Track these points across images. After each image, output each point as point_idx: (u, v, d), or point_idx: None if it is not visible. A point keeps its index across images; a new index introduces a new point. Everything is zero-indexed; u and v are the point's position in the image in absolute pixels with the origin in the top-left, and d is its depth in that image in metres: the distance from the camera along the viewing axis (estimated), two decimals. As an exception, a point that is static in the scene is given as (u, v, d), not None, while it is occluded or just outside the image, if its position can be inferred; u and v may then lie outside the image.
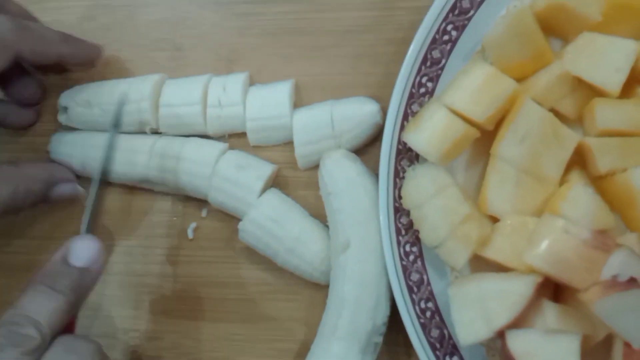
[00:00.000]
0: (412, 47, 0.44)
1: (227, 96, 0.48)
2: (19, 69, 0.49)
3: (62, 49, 0.47)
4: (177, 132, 0.49)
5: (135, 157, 0.48)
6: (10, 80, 0.49)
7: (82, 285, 0.37)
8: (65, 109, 0.51)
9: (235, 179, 0.47)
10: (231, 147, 0.49)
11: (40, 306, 0.35)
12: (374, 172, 0.46)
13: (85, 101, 0.50)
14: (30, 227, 0.52)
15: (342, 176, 0.46)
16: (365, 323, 0.43)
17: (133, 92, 0.49)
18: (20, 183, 0.44)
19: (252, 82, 0.50)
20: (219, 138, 0.50)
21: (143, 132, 0.50)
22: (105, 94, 0.50)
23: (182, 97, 0.48)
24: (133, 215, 0.51)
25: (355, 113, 0.47)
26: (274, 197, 0.47)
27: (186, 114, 0.48)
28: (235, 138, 0.50)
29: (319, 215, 0.48)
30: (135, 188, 0.51)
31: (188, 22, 0.51)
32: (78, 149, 0.50)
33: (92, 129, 0.51)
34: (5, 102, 0.51)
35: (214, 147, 0.48)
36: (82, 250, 0.38)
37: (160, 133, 0.50)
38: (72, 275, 0.37)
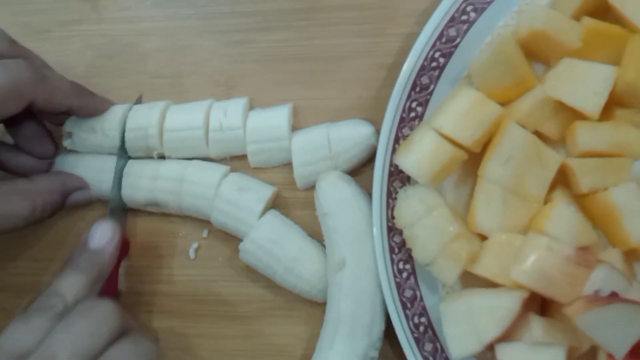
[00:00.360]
0: (401, 74, 0.45)
1: (228, 120, 0.50)
2: (29, 115, 0.50)
3: (74, 102, 0.48)
4: (181, 156, 0.51)
5: (139, 182, 0.50)
6: (20, 128, 0.50)
7: (100, 263, 0.44)
8: (70, 134, 0.52)
9: (237, 201, 0.48)
10: (233, 169, 0.51)
11: (66, 283, 0.41)
12: (368, 193, 0.47)
13: (90, 127, 0.51)
14: (36, 249, 0.54)
15: (337, 197, 0.47)
16: (362, 338, 0.45)
17: (141, 119, 0.50)
18: (37, 197, 0.48)
19: (251, 106, 0.52)
20: (221, 160, 0.52)
21: (150, 157, 0.52)
22: (109, 120, 0.51)
23: (185, 121, 0.50)
24: (138, 236, 0.53)
25: (351, 135, 0.48)
26: (274, 219, 0.49)
27: (189, 138, 0.50)
28: (236, 160, 0.52)
29: (316, 234, 0.50)
30: (138, 211, 0.52)
31: (186, 50, 0.53)
32: (79, 172, 0.52)
33: (96, 153, 0.52)
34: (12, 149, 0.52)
35: (217, 170, 0.50)
36: (99, 234, 0.44)
37: (165, 157, 0.52)
38: (91, 255, 0.44)
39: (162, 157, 0.52)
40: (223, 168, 0.51)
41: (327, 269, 0.48)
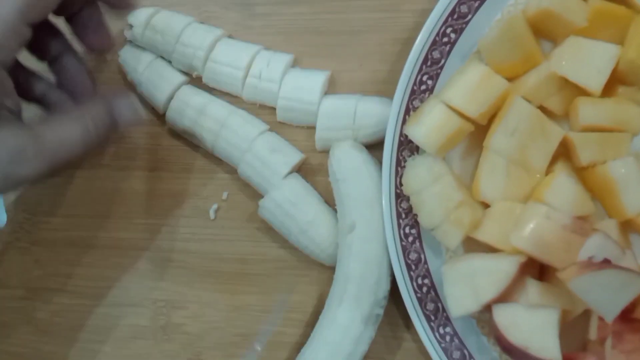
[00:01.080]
0: (414, 48, 0.47)
1: (268, 72, 0.52)
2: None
3: None
4: (216, 87, 0.54)
5: (185, 110, 0.53)
6: (77, 16, 0.48)
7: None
8: (131, 26, 0.54)
9: (266, 159, 0.51)
10: (260, 115, 0.54)
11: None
12: (380, 161, 0.50)
13: (152, 26, 0.53)
14: (70, 205, 0.57)
15: (349, 164, 0.50)
16: (368, 297, 0.48)
17: (196, 38, 0.53)
18: (88, 120, 0.45)
19: (294, 64, 0.54)
20: (251, 105, 0.54)
21: (189, 74, 0.55)
22: (171, 27, 0.53)
23: (230, 59, 0.52)
24: (160, 197, 0.56)
25: (377, 112, 0.50)
26: (296, 182, 0.51)
27: (228, 75, 0.52)
28: (265, 109, 0.54)
29: (328, 200, 0.52)
30: (163, 171, 0.56)
31: (212, 21, 0.56)
32: (140, 69, 0.54)
33: (154, 50, 0.55)
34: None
35: (256, 126, 0.52)
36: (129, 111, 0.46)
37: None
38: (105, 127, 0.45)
39: (199, 78, 0.54)
40: (262, 126, 0.53)
41: (338, 232, 0.50)
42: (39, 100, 0.48)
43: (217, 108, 0.53)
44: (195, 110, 0.53)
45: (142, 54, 0.55)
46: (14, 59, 0.41)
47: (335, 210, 0.52)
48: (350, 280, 0.48)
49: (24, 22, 0.39)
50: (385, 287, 0.49)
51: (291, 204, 0.50)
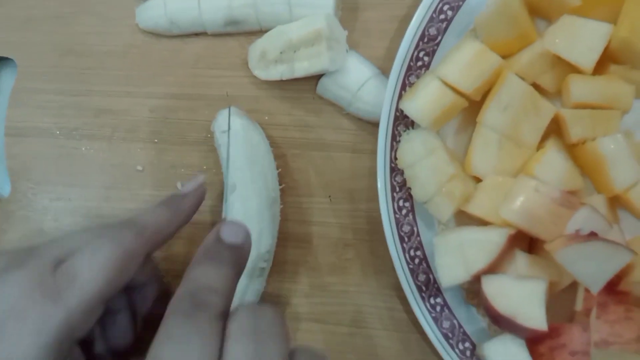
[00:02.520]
0: (411, 25, 0.48)
1: None
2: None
3: (178, 223, 0.43)
4: None
5: (217, 1, 0.53)
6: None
7: (240, 261, 0.39)
8: None
9: None
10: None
11: (212, 277, 0.35)
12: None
13: None
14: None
15: (231, 130, 0.50)
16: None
17: None
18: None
19: None
20: None
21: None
22: None
23: None
24: (164, 169, 0.57)
25: (380, 94, 0.51)
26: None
27: None
28: None
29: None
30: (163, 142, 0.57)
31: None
32: (162, 9, 0.54)
33: None
34: None
35: None
36: (233, 230, 0.39)
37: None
38: (231, 250, 0.38)
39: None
40: None
41: (224, 195, 0.52)
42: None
43: None
44: None
45: (153, 2, 0.55)
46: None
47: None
48: None
49: (103, 301, 0.38)
50: (267, 241, 0.51)
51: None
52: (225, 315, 0.33)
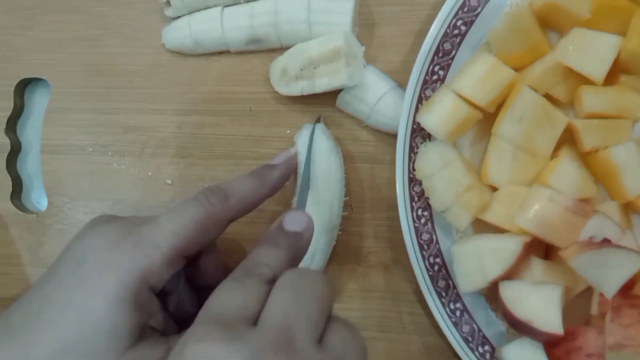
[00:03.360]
0: (426, 40, 0.50)
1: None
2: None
3: (264, 192, 0.48)
4: None
5: (239, 22, 0.55)
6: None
7: (297, 246, 0.43)
8: (168, 2, 0.57)
9: (327, 7, 0.53)
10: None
11: (266, 256, 0.40)
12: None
13: None
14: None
15: (314, 147, 0.53)
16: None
17: None
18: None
19: None
20: None
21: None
22: None
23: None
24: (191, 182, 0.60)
25: (398, 106, 0.53)
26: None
27: None
28: None
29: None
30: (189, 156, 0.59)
31: None
32: (186, 30, 0.57)
33: (199, 8, 0.57)
34: None
35: None
36: (295, 219, 0.43)
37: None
38: (288, 236, 0.42)
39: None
40: None
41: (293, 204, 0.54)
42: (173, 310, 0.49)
43: (263, 3, 0.55)
44: (246, 16, 0.55)
45: (177, 23, 0.58)
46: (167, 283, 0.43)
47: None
48: None
49: (181, 256, 0.42)
50: (319, 263, 0.53)
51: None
52: (273, 282, 0.37)
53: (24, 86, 0.63)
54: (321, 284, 0.36)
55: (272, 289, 0.36)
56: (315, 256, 0.52)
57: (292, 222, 0.43)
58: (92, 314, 0.39)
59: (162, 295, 0.47)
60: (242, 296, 0.36)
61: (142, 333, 0.41)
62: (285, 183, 0.51)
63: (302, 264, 0.48)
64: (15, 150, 0.63)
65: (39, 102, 0.64)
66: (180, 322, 0.46)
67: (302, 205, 0.50)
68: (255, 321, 0.34)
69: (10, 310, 0.41)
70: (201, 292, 0.50)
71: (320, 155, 0.52)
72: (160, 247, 0.41)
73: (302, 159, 0.52)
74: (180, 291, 0.49)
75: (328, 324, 0.35)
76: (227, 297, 0.36)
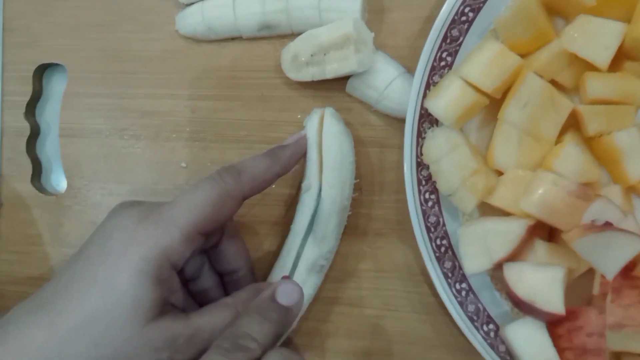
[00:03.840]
0: (434, 27, 0.51)
1: None
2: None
3: (276, 170, 0.50)
4: None
5: (251, 8, 0.56)
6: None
7: (286, 321, 0.43)
8: None
9: None
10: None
11: (256, 329, 0.41)
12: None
13: None
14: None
15: (325, 131, 0.53)
16: (313, 249, 0.53)
17: None
18: (239, 307, 0.47)
19: None
20: None
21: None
22: None
23: None
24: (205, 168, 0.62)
25: (406, 92, 0.53)
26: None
27: None
28: None
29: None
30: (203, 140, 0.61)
31: None
32: (199, 16, 0.58)
33: None
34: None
35: None
36: (288, 293, 0.44)
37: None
38: (279, 310, 0.43)
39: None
40: None
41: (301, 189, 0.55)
42: (197, 294, 0.52)
43: None
44: (257, 3, 0.56)
45: (190, 10, 0.59)
46: (187, 261, 0.46)
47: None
48: (299, 234, 0.54)
49: (199, 233, 0.44)
50: (331, 243, 0.54)
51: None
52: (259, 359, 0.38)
53: (42, 71, 0.65)
54: None
55: None
56: (326, 236, 0.54)
57: (285, 295, 0.43)
58: (116, 287, 0.41)
59: (187, 281, 0.51)
60: None
61: (164, 308, 0.43)
62: (296, 166, 0.53)
63: (314, 243, 0.50)
64: (34, 134, 0.65)
65: (56, 87, 0.65)
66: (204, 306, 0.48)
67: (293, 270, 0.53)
68: None
69: (42, 288, 0.44)
70: (224, 276, 0.53)
71: (332, 138, 0.53)
72: (179, 225, 0.43)
73: (311, 142, 0.54)
74: (205, 277, 0.52)
75: None
76: None
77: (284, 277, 0.49)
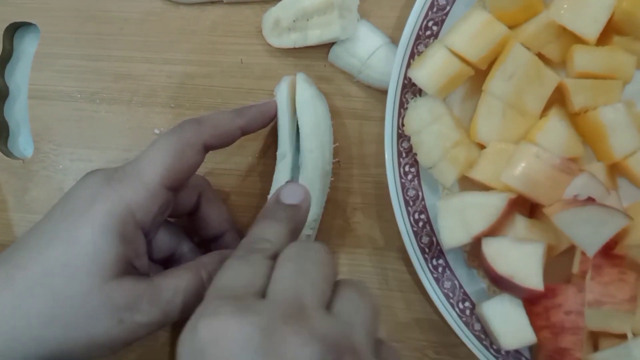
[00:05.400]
0: (421, -5, 0.50)
1: None
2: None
3: (239, 123, 0.49)
4: None
5: None
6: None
7: (296, 219, 0.43)
8: None
9: None
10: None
11: (267, 231, 0.41)
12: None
13: None
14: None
15: (297, 96, 0.52)
16: None
17: None
18: (203, 272, 0.45)
19: None
20: None
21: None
22: None
23: None
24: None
25: (390, 62, 0.52)
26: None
27: None
28: None
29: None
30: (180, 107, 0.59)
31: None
32: None
33: None
34: None
35: None
36: (292, 192, 0.44)
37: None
38: (286, 209, 0.43)
39: None
40: None
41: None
42: (165, 260, 0.51)
43: None
44: None
45: None
46: (156, 222, 0.44)
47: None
48: None
49: (163, 186, 0.43)
50: (315, 211, 0.52)
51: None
52: (276, 256, 0.38)
53: (14, 30, 0.62)
54: (323, 253, 0.37)
55: (276, 263, 0.37)
56: (311, 204, 0.52)
57: (289, 195, 0.44)
58: (78, 240, 0.40)
59: (165, 261, 0.50)
60: (248, 272, 0.37)
61: (127, 269, 0.42)
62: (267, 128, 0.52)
63: None
64: (3, 95, 0.62)
65: (28, 47, 0.63)
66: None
67: (295, 172, 0.51)
68: (263, 295, 0.35)
69: (7, 249, 0.43)
70: (211, 245, 0.53)
71: (305, 102, 0.52)
72: (142, 179, 0.42)
73: (283, 110, 0.52)
74: (185, 258, 0.51)
75: (336, 291, 0.36)
76: (234, 274, 0.37)
77: (288, 182, 0.47)
